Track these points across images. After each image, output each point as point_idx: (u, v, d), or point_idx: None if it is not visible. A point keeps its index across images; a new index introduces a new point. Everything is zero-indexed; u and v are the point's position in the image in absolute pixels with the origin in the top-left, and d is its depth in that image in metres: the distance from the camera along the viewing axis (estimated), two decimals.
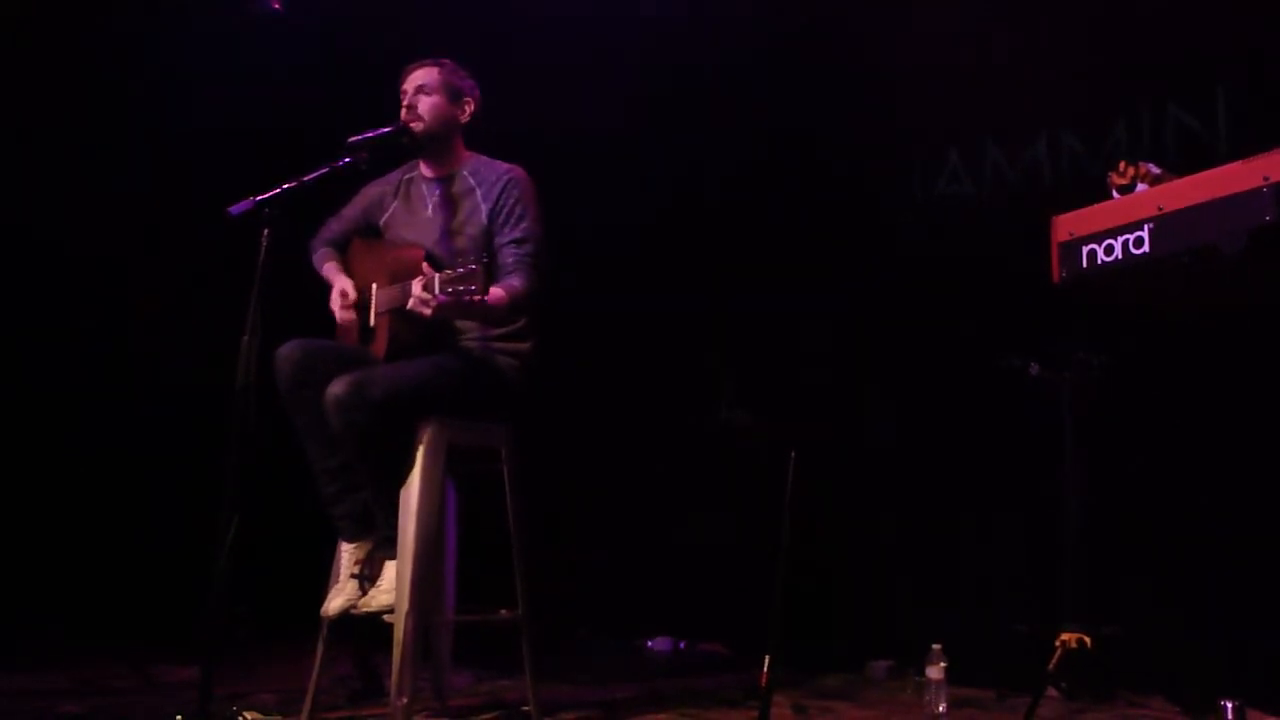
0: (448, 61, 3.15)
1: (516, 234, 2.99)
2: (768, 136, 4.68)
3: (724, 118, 4.81)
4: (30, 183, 4.68)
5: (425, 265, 2.78)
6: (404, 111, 3.08)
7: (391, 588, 2.80)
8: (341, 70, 5.11)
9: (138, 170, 4.91)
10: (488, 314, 2.89)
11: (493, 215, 3.02)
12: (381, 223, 3.22)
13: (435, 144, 3.11)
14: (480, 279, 2.61)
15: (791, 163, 4.59)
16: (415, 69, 3.12)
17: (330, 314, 3.20)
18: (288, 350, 2.90)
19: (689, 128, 4.90)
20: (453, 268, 2.67)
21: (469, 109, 3.14)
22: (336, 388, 2.75)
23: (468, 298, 2.61)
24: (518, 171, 3.10)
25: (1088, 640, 2.98)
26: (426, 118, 3.07)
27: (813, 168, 4.52)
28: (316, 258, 3.27)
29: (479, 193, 3.07)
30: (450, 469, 2.97)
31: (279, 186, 2.72)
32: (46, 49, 4.81)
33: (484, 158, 3.16)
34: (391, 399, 2.78)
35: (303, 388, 2.86)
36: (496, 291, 2.87)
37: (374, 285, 3.05)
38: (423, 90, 3.08)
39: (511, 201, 3.02)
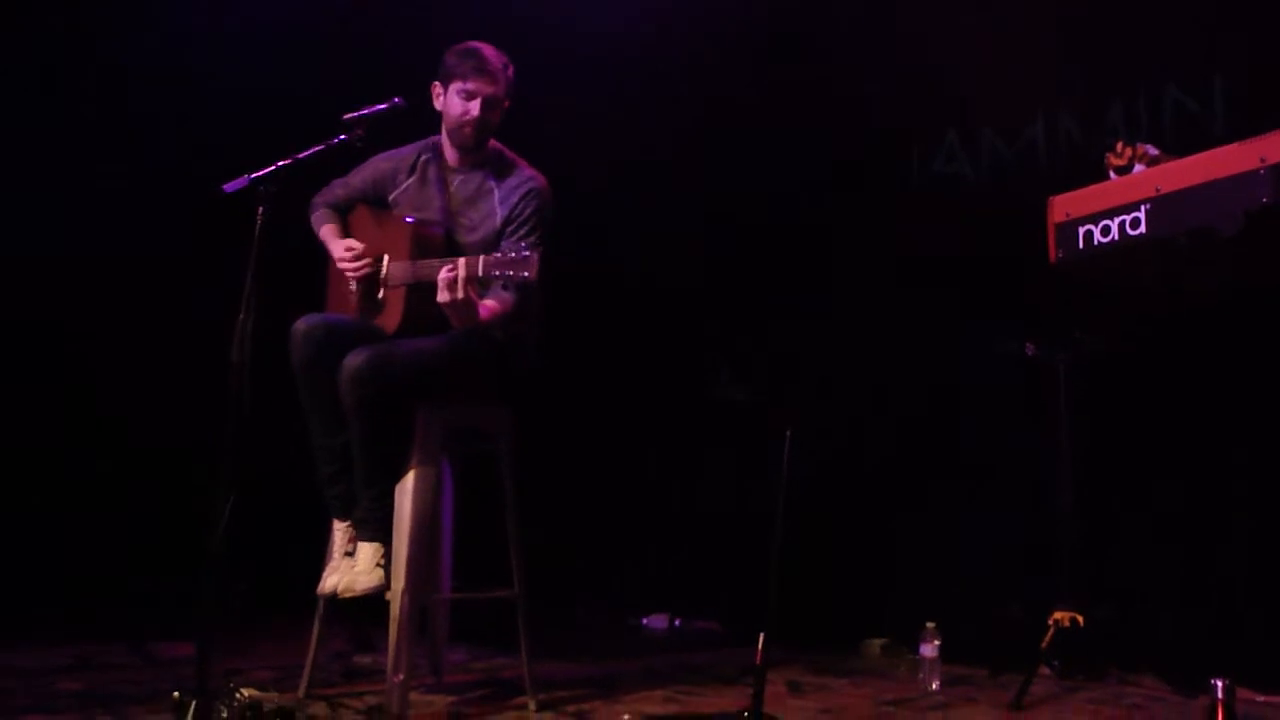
0: (505, 57, 3.05)
1: (523, 251, 2.94)
2: (766, 117, 4.66)
3: (721, 97, 4.80)
4: (25, 165, 4.65)
5: (477, 257, 2.74)
6: (468, 115, 2.99)
7: (369, 569, 2.80)
8: (339, 44, 5.08)
9: (132, 146, 4.89)
10: (478, 323, 2.85)
11: (506, 220, 3.00)
12: (392, 197, 3.16)
13: (479, 148, 3.07)
14: (534, 265, 2.61)
15: (789, 143, 4.57)
16: (482, 75, 2.99)
17: (320, 289, 3.18)
18: (307, 326, 2.88)
19: (686, 109, 4.88)
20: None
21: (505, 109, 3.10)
22: (356, 359, 2.74)
23: (516, 279, 2.63)
24: (539, 180, 3.06)
25: (1080, 619, 3.00)
26: (491, 128, 3.03)
27: (810, 148, 4.50)
28: (316, 217, 3.22)
29: (497, 195, 3.04)
30: (446, 448, 2.97)
31: (274, 164, 2.71)
32: (36, 34, 4.78)
33: (509, 155, 3.11)
34: (410, 377, 2.79)
35: (317, 365, 2.84)
36: (491, 304, 2.88)
37: (387, 257, 3.01)
38: (494, 106, 3.01)
39: (528, 211, 3.00)
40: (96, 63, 4.87)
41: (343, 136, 2.88)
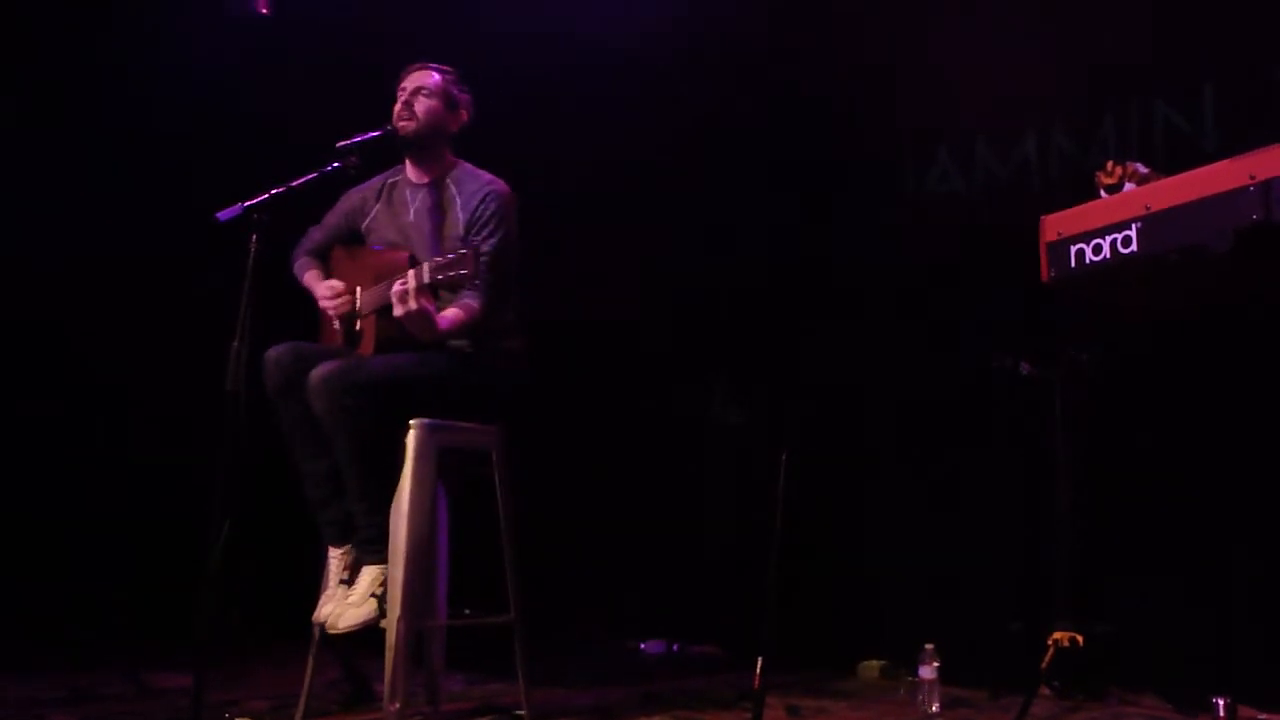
0: (450, 69, 3.16)
1: (484, 248, 2.96)
2: (759, 134, 4.68)
3: (715, 114, 4.82)
4: (15, 187, 4.66)
5: (423, 265, 2.77)
6: (399, 108, 3.07)
7: (361, 601, 2.79)
8: (329, 74, 5.10)
9: (126, 176, 4.90)
10: (439, 334, 2.86)
11: (468, 225, 3.01)
12: (364, 227, 3.22)
13: (424, 148, 3.11)
14: (471, 262, 2.65)
15: (782, 160, 4.59)
16: (417, 69, 3.13)
17: (314, 321, 3.19)
18: (276, 353, 2.90)
19: (679, 128, 4.90)
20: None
21: (462, 119, 3.15)
22: (323, 369, 2.76)
23: (460, 281, 2.67)
24: (499, 185, 3.09)
25: (1080, 639, 2.98)
26: (421, 118, 3.07)
27: (803, 165, 4.52)
28: (297, 267, 3.28)
29: (459, 201, 3.07)
30: (441, 472, 2.97)
31: (267, 192, 2.72)
32: (30, 53, 4.80)
33: (470, 167, 3.16)
34: (378, 383, 2.80)
35: (290, 390, 2.86)
36: (452, 314, 2.89)
37: (359, 289, 3.05)
38: (422, 92, 3.08)
39: (488, 214, 3.01)
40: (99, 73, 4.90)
41: (336, 164, 2.90)
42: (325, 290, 3.10)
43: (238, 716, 2.96)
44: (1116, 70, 3.68)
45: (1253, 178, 2.18)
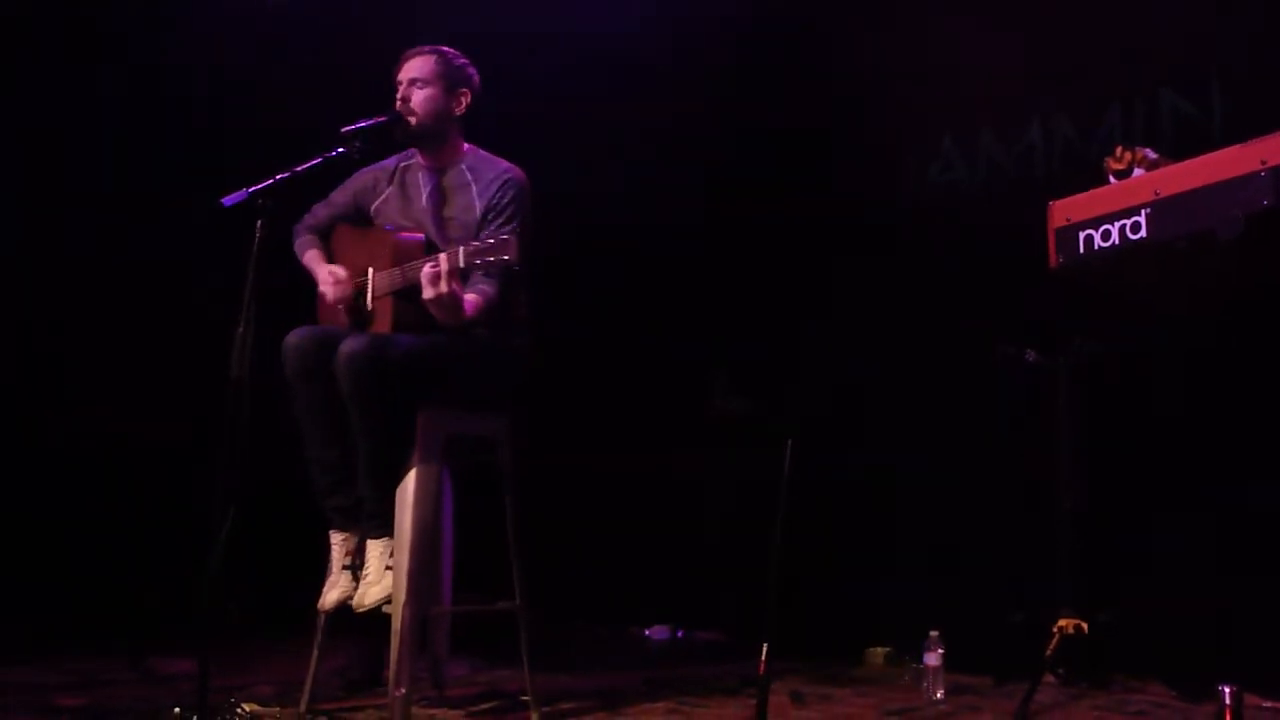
0: (446, 49, 3.10)
1: (501, 235, 2.95)
2: (762, 126, 4.66)
3: (718, 108, 4.80)
4: (22, 177, 4.66)
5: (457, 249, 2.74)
6: (397, 103, 3.04)
7: (378, 578, 2.79)
8: (336, 59, 5.08)
9: (131, 162, 4.89)
10: (464, 319, 2.83)
11: (485, 211, 2.99)
12: (373, 208, 3.19)
13: (430, 137, 3.08)
14: (514, 247, 2.61)
15: (786, 152, 4.57)
16: (411, 57, 3.08)
17: (312, 307, 3.17)
18: (297, 339, 2.88)
19: (683, 117, 4.89)
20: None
21: (465, 100, 3.10)
22: (352, 344, 2.73)
23: (498, 264, 2.63)
24: (516, 172, 3.06)
25: (1085, 626, 2.98)
26: (419, 112, 3.03)
27: (808, 155, 4.50)
28: (298, 244, 3.24)
29: (475, 188, 3.04)
30: (447, 459, 2.96)
31: (272, 177, 2.71)
32: (34, 42, 4.79)
33: (484, 153, 3.13)
34: (408, 362, 2.77)
35: (309, 378, 2.84)
36: (474, 298, 2.87)
37: (371, 270, 3.02)
38: (417, 83, 3.04)
39: (505, 200, 2.99)
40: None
41: (340, 149, 2.88)
42: (327, 276, 3.07)
43: (244, 702, 2.96)
44: (1123, 57, 3.66)
45: (1264, 163, 2.18)
